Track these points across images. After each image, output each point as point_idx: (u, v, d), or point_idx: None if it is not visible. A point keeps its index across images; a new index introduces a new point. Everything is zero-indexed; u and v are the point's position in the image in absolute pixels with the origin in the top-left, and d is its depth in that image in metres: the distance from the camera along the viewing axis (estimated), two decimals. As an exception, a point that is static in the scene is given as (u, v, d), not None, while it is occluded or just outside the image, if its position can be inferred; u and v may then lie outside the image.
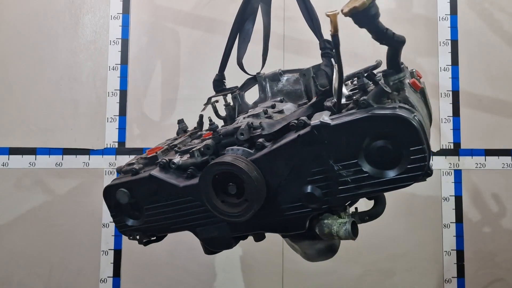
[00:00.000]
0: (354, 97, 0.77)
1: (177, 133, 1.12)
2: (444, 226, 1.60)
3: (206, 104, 1.11)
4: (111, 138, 1.62)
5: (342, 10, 0.69)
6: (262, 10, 1.08)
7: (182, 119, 1.12)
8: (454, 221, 1.60)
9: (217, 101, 1.11)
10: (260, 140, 0.81)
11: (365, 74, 0.79)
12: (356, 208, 0.89)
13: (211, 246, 0.90)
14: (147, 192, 0.89)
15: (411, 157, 0.70)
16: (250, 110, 1.00)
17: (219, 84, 1.11)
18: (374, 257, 1.59)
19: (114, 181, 0.93)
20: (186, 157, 0.89)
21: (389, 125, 0.71)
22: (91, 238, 1.59)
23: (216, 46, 1.59)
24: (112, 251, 1.58)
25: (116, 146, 1.62)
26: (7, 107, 1.63)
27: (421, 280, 1.59)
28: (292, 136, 0.77)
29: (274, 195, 0.80)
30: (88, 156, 1.61)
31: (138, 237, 0.94)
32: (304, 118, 0.78)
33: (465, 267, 1.58)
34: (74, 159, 1.61)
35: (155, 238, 0.96)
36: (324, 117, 0.75)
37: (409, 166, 0.71)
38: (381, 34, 0.72)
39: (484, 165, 1.62)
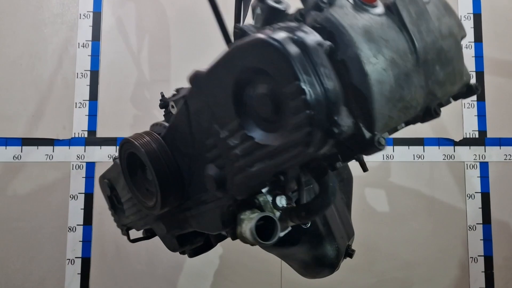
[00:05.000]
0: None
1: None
2: (470, 228, 1.43)
3: None
4: (79, 127, 1.43)
5: None
6: None
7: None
8: (481, 222, 1.43)
9: None
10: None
11: None
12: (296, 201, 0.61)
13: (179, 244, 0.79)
14: None
15: (290, 105, 0.43)
16: None
17: None
18: (389, 265, 1.42)
19: None
20: None
21: (253, 57, 0.45)
22: (55, 244, 1.39)
23: (206, 16, 1.42)
24: (80, 259, 1.38)
25: (86, 136, 1.43)
26: (-43, 89, 1.42)
27: (444, 291, 1.43)
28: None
29: (189, 182, 0.61)
30: (52, 147, 1.41)
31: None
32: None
33: (494, 275, 1.42)
34: (35, 150, 1.41)
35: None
36: None
37: (291, 121, 0.43)
38: None
39: (513, 157, 1.46)
